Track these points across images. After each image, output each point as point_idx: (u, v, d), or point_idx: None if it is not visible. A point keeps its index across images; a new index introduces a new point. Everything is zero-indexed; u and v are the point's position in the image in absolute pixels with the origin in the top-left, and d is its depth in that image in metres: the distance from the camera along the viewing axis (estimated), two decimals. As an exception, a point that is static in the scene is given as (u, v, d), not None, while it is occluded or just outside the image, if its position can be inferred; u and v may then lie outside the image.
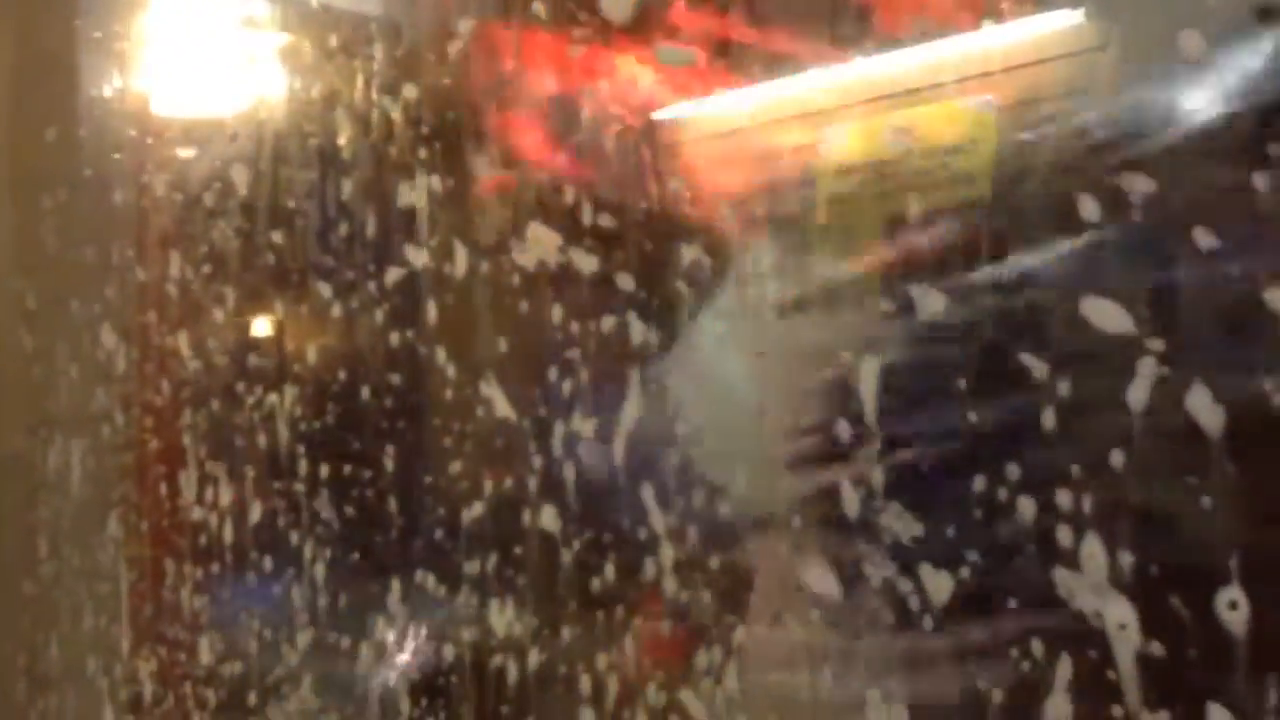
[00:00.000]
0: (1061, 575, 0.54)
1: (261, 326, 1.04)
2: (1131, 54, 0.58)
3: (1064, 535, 0.54)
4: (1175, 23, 0.54)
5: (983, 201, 0.74)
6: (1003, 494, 0.57)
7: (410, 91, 0.87)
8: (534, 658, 0.77)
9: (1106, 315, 0.54)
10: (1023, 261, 0.62)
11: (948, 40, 0.70)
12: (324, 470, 0.94)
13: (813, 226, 0.77)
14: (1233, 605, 0.49)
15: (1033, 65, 0.68)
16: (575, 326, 0.76)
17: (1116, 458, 0.53)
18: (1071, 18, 0.67)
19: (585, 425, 0.75)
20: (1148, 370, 0.52)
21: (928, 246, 0.72)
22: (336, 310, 0.94)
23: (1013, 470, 0.57)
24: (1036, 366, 0.57)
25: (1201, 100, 0.56)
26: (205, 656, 1.05)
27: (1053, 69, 0.68)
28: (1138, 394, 0.52)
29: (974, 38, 0.70)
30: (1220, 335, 0.54)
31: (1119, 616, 0.52)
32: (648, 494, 0.71)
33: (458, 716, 0.81)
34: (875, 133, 0.74)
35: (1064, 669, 0.54)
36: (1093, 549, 0.53)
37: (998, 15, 0.68)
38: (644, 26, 0.73)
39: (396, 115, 0.88)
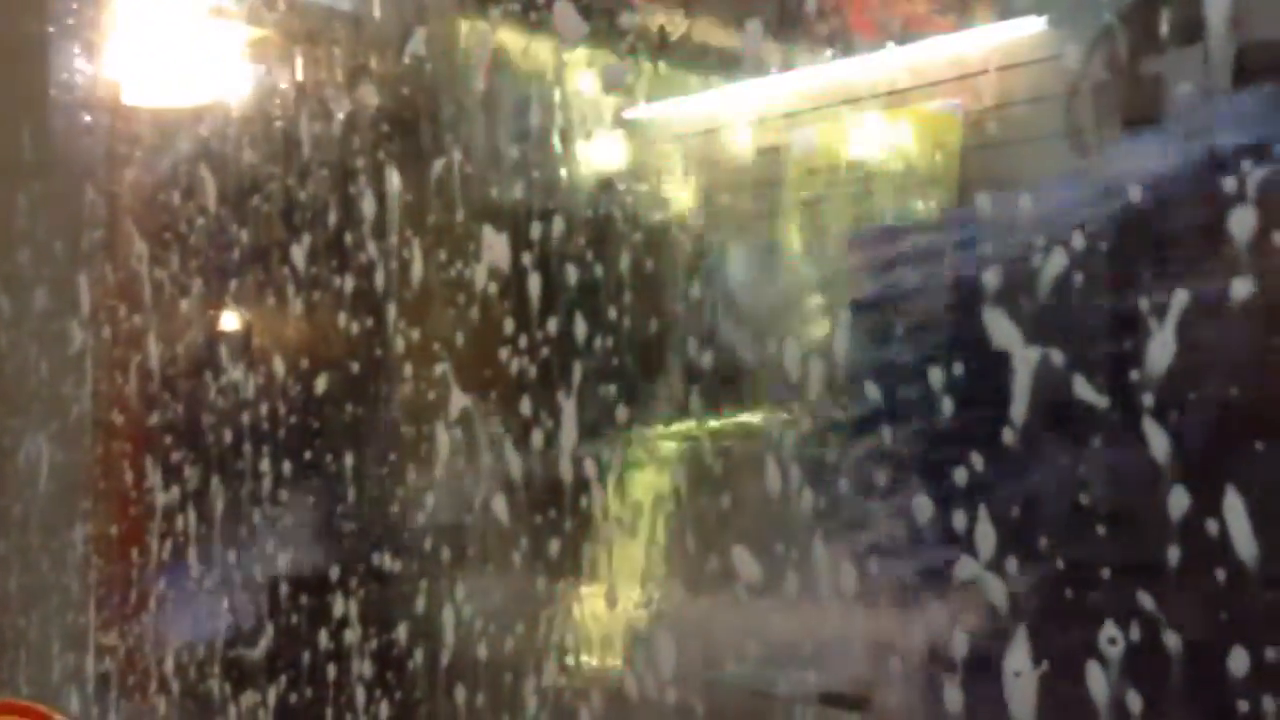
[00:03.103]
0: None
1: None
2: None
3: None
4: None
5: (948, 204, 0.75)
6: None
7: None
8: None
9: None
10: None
11: (916, 46, 0.70)
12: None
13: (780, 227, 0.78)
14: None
15: (999, 71, 0.69)
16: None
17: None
18: (1036, 24, 0.67)
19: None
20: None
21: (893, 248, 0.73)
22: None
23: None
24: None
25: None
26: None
27: (1018, 75, 0.68)
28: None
29: (941, 43, 0.70)
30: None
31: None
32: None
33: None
34: (843, 136, 0.75)
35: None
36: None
37: (965, 22, 0.69)
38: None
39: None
